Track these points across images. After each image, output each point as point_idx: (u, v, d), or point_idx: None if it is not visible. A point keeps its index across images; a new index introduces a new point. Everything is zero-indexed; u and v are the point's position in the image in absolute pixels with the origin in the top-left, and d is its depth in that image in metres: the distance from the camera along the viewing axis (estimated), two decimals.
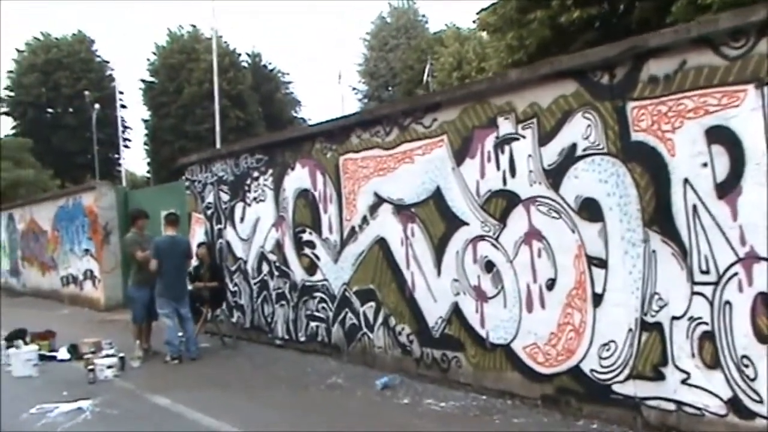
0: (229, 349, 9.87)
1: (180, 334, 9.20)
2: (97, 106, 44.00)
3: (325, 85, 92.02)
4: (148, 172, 52.78)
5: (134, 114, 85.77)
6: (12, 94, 48.01)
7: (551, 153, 5.74)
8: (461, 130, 6.58)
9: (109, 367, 8.48)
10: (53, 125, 47.47)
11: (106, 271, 15.08)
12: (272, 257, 9.57)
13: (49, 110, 48.60)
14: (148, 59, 49.74)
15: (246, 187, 10.04)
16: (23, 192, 26.57)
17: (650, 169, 5.02)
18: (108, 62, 51.64)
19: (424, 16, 58.90)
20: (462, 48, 46.60)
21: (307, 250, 8.91)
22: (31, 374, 8.78)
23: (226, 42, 51.76)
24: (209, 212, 10.99)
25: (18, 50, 48.84)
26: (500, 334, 6.35)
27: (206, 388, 7.64)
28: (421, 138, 7.05)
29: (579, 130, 5.50)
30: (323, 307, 8.69)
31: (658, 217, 4.99)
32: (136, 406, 7.05)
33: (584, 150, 5.48)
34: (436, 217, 6.93)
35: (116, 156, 51.36)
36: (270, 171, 9.52)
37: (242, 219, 10.21)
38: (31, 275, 19.64)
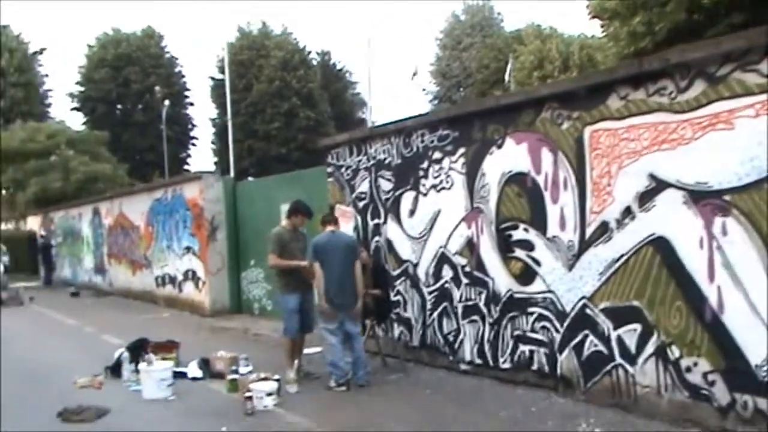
0: (397, 373, 7.88)
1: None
2: (167, 102, 43.03)
3: (393, 86, 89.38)
4: (213, 171, 51.69)
5: (201, 112, 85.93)
6: (82, 89, 47.41)
7: None
8: None
9: (269, 394, 6.63)
10: (123, 121, 46.70)
11: (212, 272, 13.19)
12: (459, 260, 7.56)
13: (119, 106, 47.84)
14: (217, 55, 48.79)
15: (421, 172, 8.04)
16: (101, 186, 25.23)
17: None
18: (177, 58, 50.88)
19: (499, 13, 56.56)
20: (543, 46, 44.39)
21: (519, 253, 6.86)
22: (165, 396, 7.12)
23: (295, 39, 50.60)
24: (362, 204, 9.03)
25: (89, 45, 48.33)
26: None
27: None
28: (753, 93, 4.91)
29: None
30: (544, 327, 6.63)
31: None
32: None
33: None
34: None
35: (184, 154, 50.46)
36: (461, 151, 7.49)
37: (412, 212, 8.21)
38: (119, 274, 18.07)
